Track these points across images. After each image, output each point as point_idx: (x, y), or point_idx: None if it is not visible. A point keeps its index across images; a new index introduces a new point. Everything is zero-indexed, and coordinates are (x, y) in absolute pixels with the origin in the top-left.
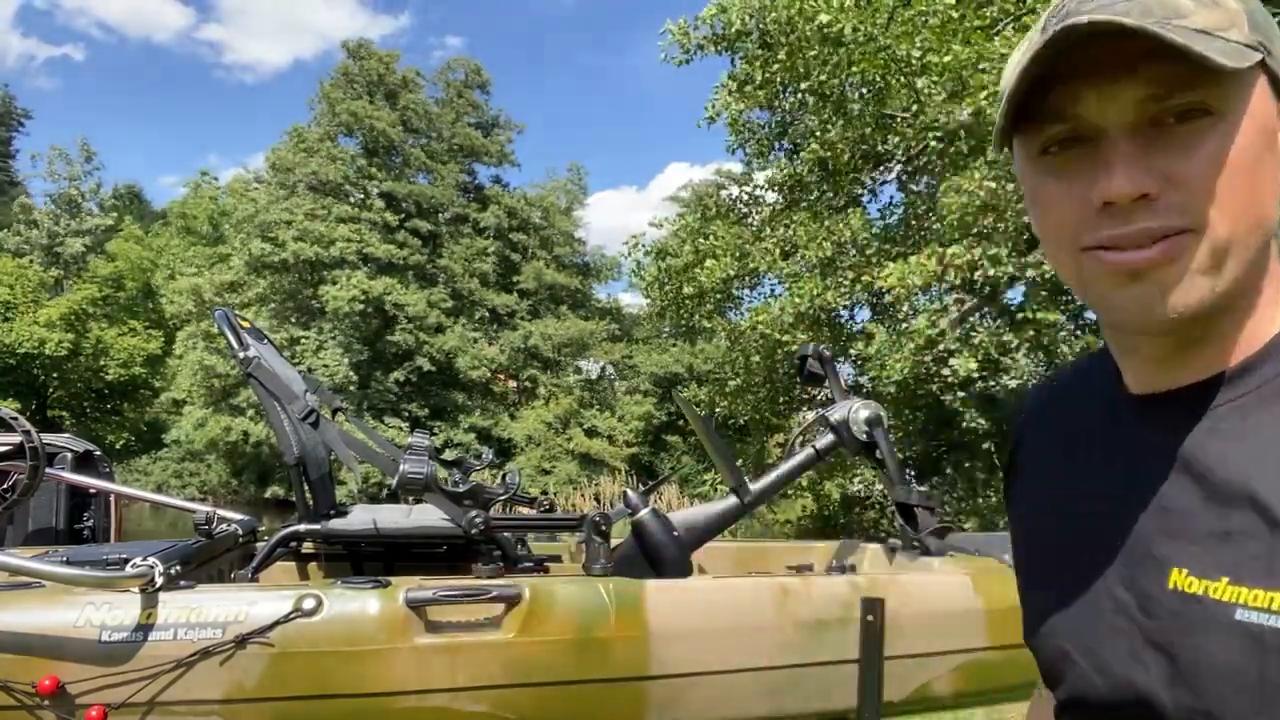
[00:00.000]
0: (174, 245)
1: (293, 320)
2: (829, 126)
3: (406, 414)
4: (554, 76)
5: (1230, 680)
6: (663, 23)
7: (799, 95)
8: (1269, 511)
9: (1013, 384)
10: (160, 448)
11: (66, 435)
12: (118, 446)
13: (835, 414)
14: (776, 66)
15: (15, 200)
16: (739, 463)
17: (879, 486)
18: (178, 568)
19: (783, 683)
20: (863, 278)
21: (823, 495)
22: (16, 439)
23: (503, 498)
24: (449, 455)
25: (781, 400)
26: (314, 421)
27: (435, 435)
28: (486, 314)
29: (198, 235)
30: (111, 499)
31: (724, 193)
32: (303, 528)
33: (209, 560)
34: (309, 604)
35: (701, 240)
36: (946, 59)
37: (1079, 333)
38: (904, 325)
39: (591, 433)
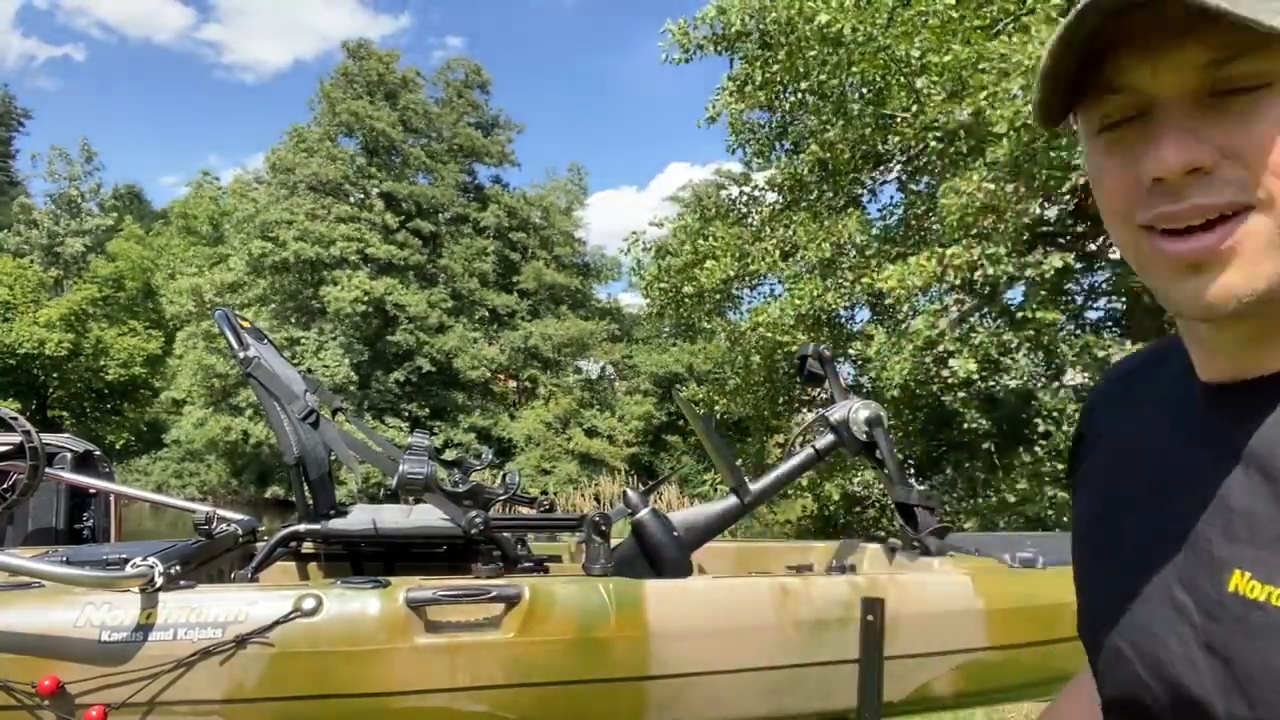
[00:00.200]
0: (174, 245)
1: (293, 321)
2: (829, 126)
3: (406, 414)
4: (554, 76)
5: None
6: (663, 23)
7: (799, 95)
8: None
9: (1013, 384)
10: (160, 448)
11: (66, 435)
12: (118, 446)
13: (835, 414)
14: (776, 67)
15: (15, 200)
16: (739, 463)
17: (879, 487)
18: (178, 568)
19: (783, 683)
20: (863, 279)
21: (822, 495)
22: (16, 439)
23: (503, 498)
24: (449, 455)
25: (781, 400)
26: (314, 421)
27: (435, 435)
28: (487, 314)
29: (198, 235)
30: (111, 499)
31: (724, 193)
32: (303, 528)
33: (209, 560)
34: (309, 604)
35: (701, 241)
36: (946, 59)
37: (1079, 332)
38: (904, 326)
39: (591, 433)
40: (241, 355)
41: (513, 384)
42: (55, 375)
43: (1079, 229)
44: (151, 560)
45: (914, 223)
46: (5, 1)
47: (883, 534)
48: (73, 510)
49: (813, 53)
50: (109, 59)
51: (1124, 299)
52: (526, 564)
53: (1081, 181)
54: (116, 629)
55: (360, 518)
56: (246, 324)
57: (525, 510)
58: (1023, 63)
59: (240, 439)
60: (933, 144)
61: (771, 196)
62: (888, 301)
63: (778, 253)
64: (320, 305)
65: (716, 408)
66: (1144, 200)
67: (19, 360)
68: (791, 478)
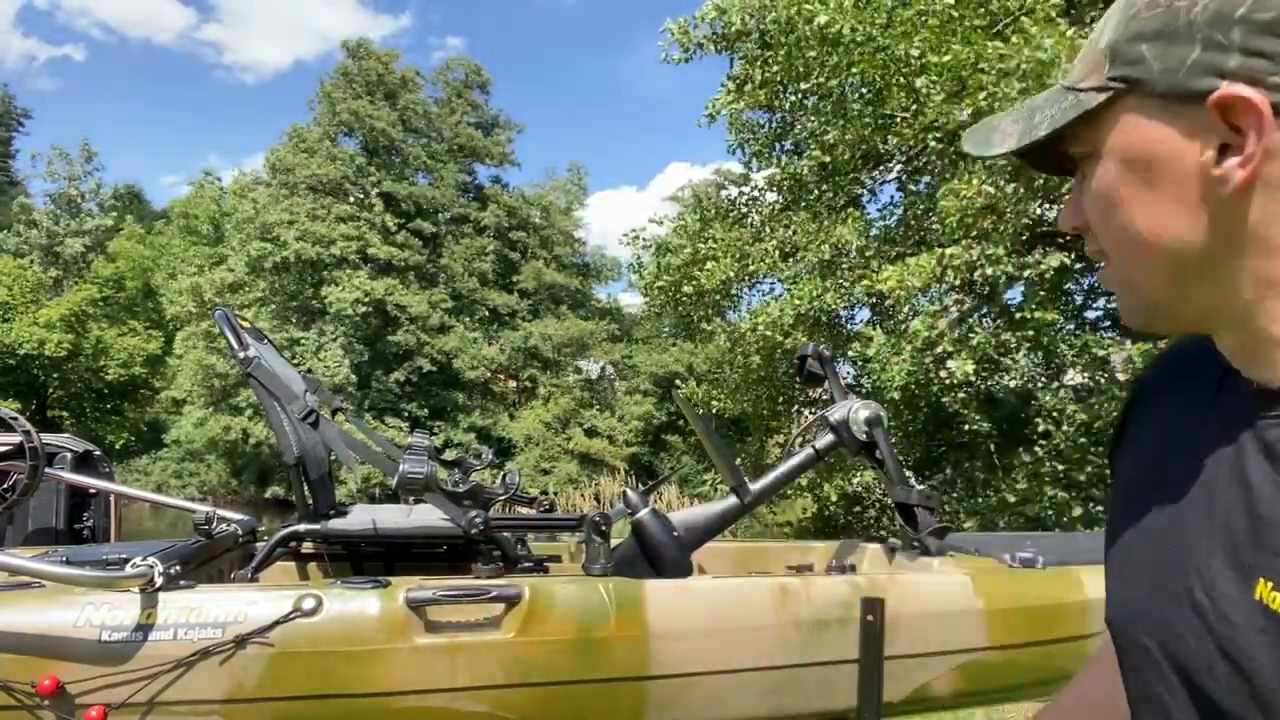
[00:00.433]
0: (175, 245)
1: (293, 321)
2: (829, 127)
3: (406, 414)
4: (554, 76)
5: None
6: (663, 22)
7: (799, 95)
8: None
9: (1012, 384)
10: (160, 448)
11: (66, 435)
12: (118, 446)
13: (835, 414)
14: (776, 68)
15: (15, 200)
16: (738, 463)
17: (880, 487)
18: (177, 568)
19: (783, 683)
20: (862, 280)
21: (821, 496)
22: (16, 439)
23: (503, 498)
24: (449, 455)
25: (781, 400)
26: (314, 421)
27: (435, 435)
28: (487, 313)
29: (199, 235)
30: (111, 499)
31: (724, 193)
32: (303, 528)
33: (209, 560)
34: (309, 604)
35: (701, 244)
36: (945, 59)
37: (1078, 332)
38: (903, 327)
39: (591, 433)
40: (241, 355)
41: (512, 384)
42: (55, 375)
43: None
44: (151, 560)
45: (914, 223)
46: (5, 2)
47: (883, 534)
48: (73, 510)
49: (812, 53)
50: (109, 59)
51: None
52: (526, 564)
53: None
54: (116, 629)
55: (360, 518)
56: (246, 324)
57: (525, 510)
58: (1021, 64)
59: (240, 439)
60: (932, 144)
61: (771, 196)
62: (888, 302)
63: (777, 254)
64: (320, 305)
65: (715, 405)
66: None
67: (19, 360)
68: (791, 478)
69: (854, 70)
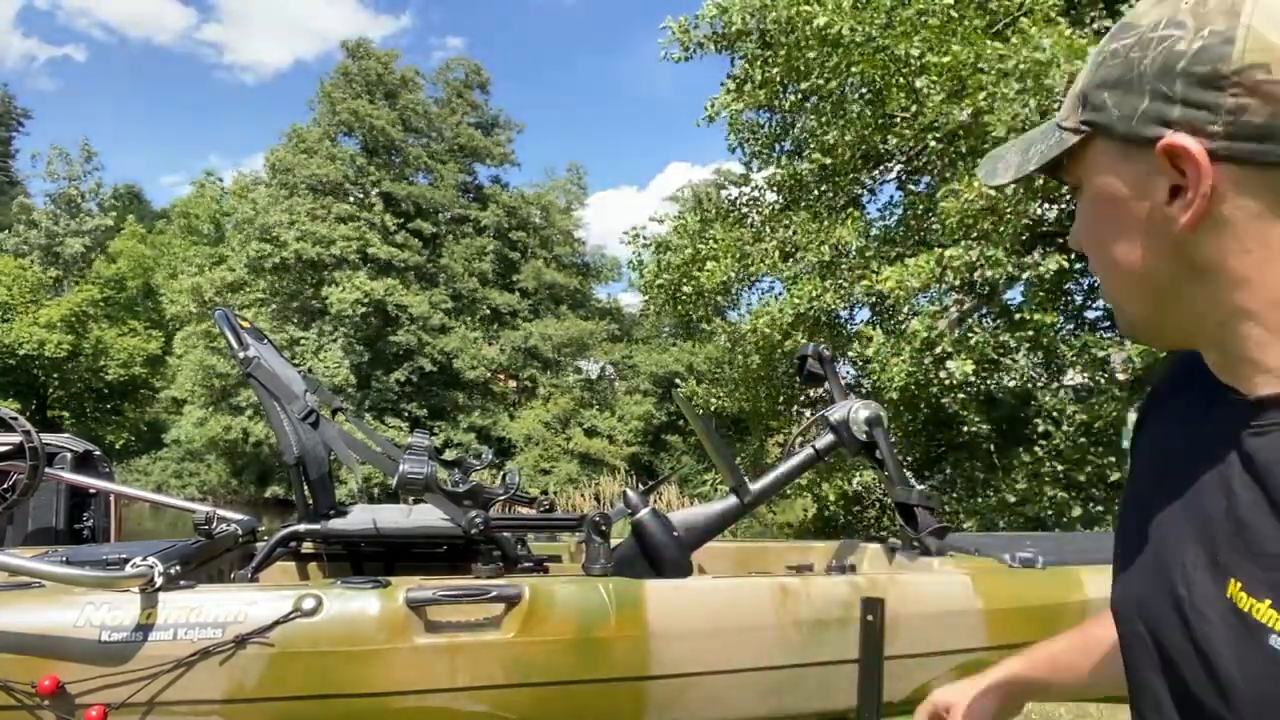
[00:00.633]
0: (176, 245)
1: (294, 321)
2: (829, 127)
3: (406, 414)
4: (554, 76)
5: (1261, 706)
6: (663, 22)
7: (799, 95)
8: None
9: (1012, 384)
10: (160, 448)
11: (66, 435)
12: (118, 446)
13: (835, 414)
14: (776, 69)
15: (15, 200)
16: (738, 463)
17: (881, 487)
18: (177, 568)
19: (783, 683)
20: (862, 280)
21: (821, 495)
22: (16, 439)
23: (503, 498)
24: (449, 455)
25: (781, 399)
26: (314, 421)
27: (435, 435)
28: (487, 313)
29: (200, 235)
30: (111, 499)
31: (724, 193)
32: (303, 528)
33: (209, 560)
34: (309, 604)
35: (701, 243)
36: (945, 59)
37: (1078, 333)
38: (903, 327)
39: (591, 432)
40: (241, 355)
41: (512, 384)
42: (55, 375)
43: None
44: (151, 560)
45: (913, 223)
46: (6, 2)
47: (883, 534)
48: (73, 510)
49: (812, 54)
50: (110, 59)
51: None
52: (526, 564)
53: None
54: (116, 629)
55: (360, 518)
56: (246, 324)
57: (525, 510)
58: (1019, 64)
59: (240, 439)
60: (932, 144)
61: (771, 196)
62: (887, 302)
63: (777, 254)
64: (320, 305)
65: (713, 403)
66: None
67: (19, 360)
68: (791, 477)
69: (854, 71)
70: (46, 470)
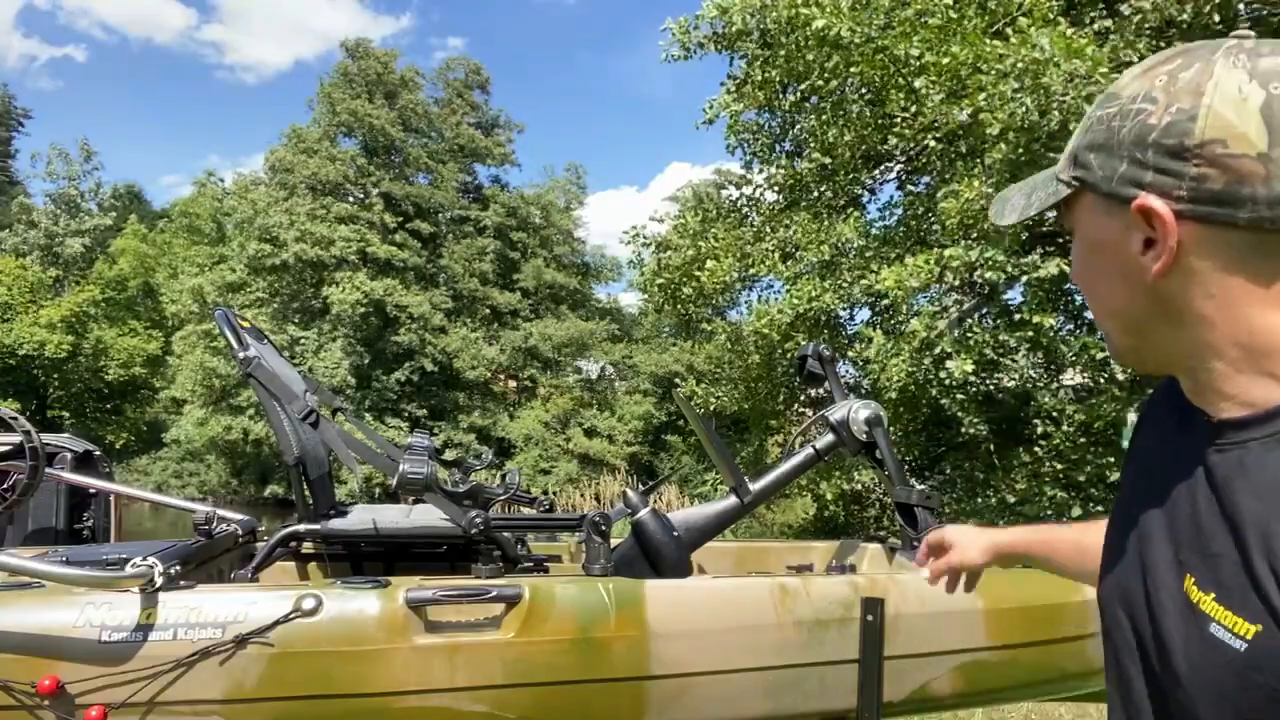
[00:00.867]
0: (177, 244)
1: (294, 321)
2: (828, 127)
3: (406, 414)
4: (554, 76)
5: (1202, 687)
6: (663, 22)
7: (799, 95)
8: (1243, 544)
9: (1011, 384)
10: (160, 448)
11: (66, 435)
12: (118, 446)
13: (835, 414)
14: (775, 71)
15: (15, 200)
16: (738, 463)
17: (879, 487)
18: (178, 568)
19: (783, 683)
20: (861, 280)
21: (820, 495)
22: (16, 439)
23: (503, 498)
24: (449, 455)
25: (781, 399)
26: (314, 421)
27: (435, 435)
28: (487, 313)
29: (201, 235)
30: (111, 499)
31: (724, 193)
32: (303, 528)
33: (209, 560)
34: (309, 604)
35: (702, 242)
36: (944, 60)
37: (1077, 332)
38: (902, 328)
39: (591, 432)
40: (241, 355)
41: (512, 384)
42: (55, 376)
43: None
44: (151, 560)
45: (913, 223)
46: (6, 2)
47: (883, 534)
48: (73, 510)
49: (811, 55)
50: (110, 59)
51: None
52: (526, 564)
53: None
54: (116, 629)
55: (360, 518)
56: (246, 324)
57: (526, 510)
58: (1018, 64)
59: (240, 439)
60: (932, 144)
61: (771, 196)
62: (885, 302)
63: (777, 255)
64: (321, 305)
65: (713, 403)
66: None
67: (19, 361)
68: (791, 477)
69: (853, 72)
70: (46, 470)
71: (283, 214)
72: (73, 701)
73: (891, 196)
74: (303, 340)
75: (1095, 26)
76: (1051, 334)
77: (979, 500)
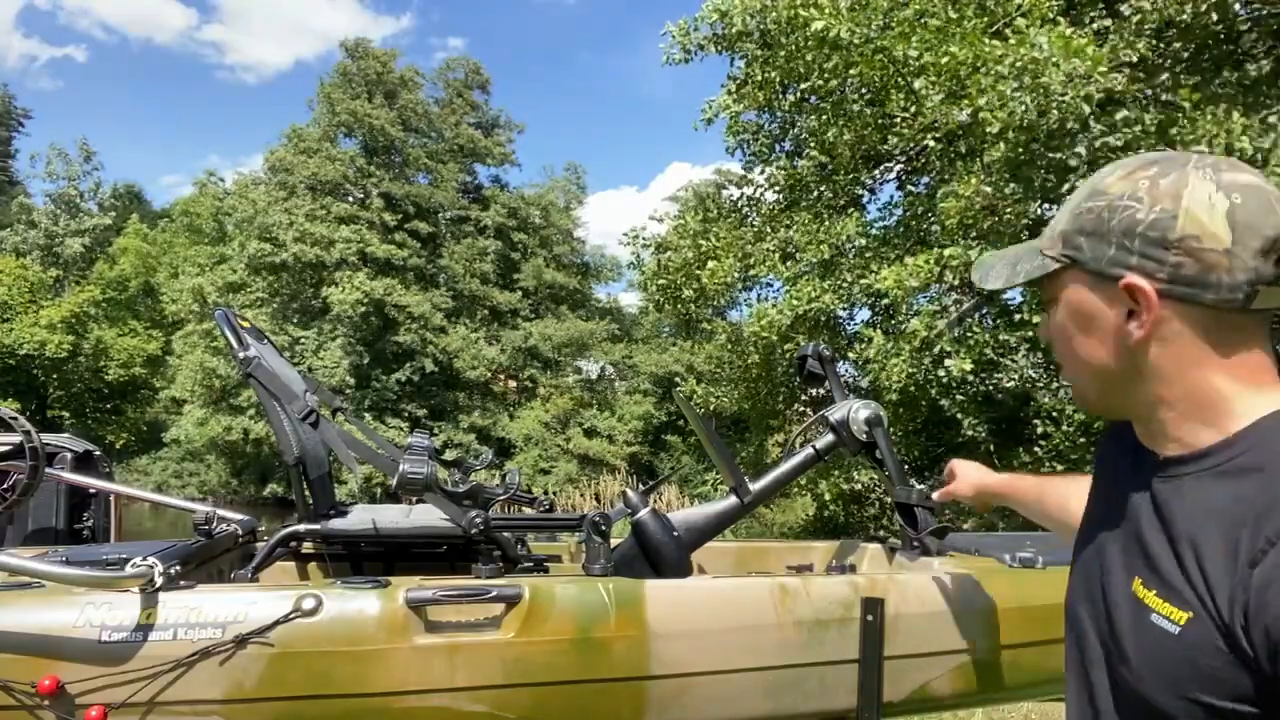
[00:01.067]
0: (178, 244)
1: (294, 321)
2: (829, 127)
3: (406, 414)
4: (554, 76)
5: (1148, 663)
6: (664, 23)
7: (799, 95)
8: (1178, 552)
9: (1010, 384)
10: (160, 448)
11: (66, 435)
12: (118, 446)
13: (835, 414)
14: (775, 71)
15: (14, 200)
16: (738, 463)
17: (879, 487)
18: (178, 568)
19: (783, 683)
20: (861, 280)
21: (818, 495)
22: (16, 439)
23: (503, 498)
24: (449, 455)
25: (781, 398)
26: (314, 421)
27: (435, 435)
28: (487, 313)
29: (202, 234)
30: (111, 499)
31: (725, 193)
32: (302, 528)
33: (209, 560)
34: (309, 604)
35: (703, 241)
36: (944, 61)
37: None
38: (902, 328)
39: (591, 433)
40: (241, 355)
41: (512, 384)
42: (55, 376)
43: None
44: (151, 560)
45: (913, 223)
46: (7, 2)
47: (883, 534)
48: (73, 510)
49: (810, 55)
50: (110, 59)
51: None
52: (526, 564)
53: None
54: (116, 629)
55: (360, 518)
56: (246, 324)
57: (526, 510)
58: (1016, 63)
59: (240, 439)
60: (931, 144)
61: (771, 197)
62: (885, 301)
63: (777, 255)
64: (321, 305)
65: (713, 403)
66: None
67: (19, 361)
68: (791, 477)
69: (852, 72)
70: (46, 470)
71: (282, 213)
72: (73, 701)
73: (891, 196)
74: (303, 340)
75: (1095, 26)
76: None
77: None
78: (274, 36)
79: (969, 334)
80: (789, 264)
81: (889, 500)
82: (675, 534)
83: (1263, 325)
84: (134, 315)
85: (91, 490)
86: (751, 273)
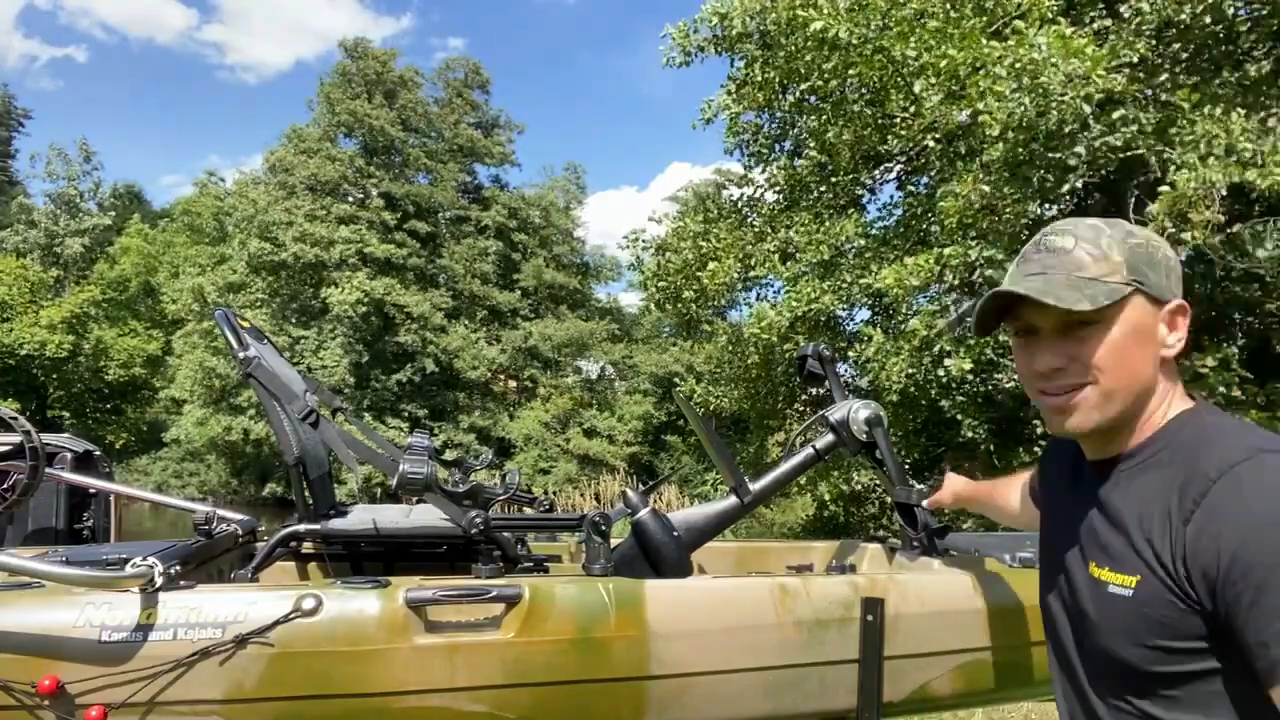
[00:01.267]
0: (179, 243)
1: (294, 321)
2: (829, 127)
3: (406, 414)
4: (554, 76)
5: (1110, 625)
6: (664, 23)
7: (799, 95)
8: (1125, 530)
9: (1010, 385)
10: (160, 448)
11: (66, 435)
12: (118, 446)
13: (835, 414)
14: (774, 73)
15: (14, 200)
16: (738, 462)
17: (880, 487)
18: (178, 568)
19: (783, 683)
20: (860, 280)
21: (818, 495)
22: (16, 439)
23: (503, 498)
24: (449, 455)
25: (780, 398)
26: (314, 421)
27: (435, 436)
28: (487, 313)
29: (202, 234)
30: (111, 499)
31: (725, 193)
32: (303, 528)
33: (209, 560)
34: (309, 604)
35: (704, 242)
36: (943, 64)
37: None
38: (902, 328)
39: (591, 433)
40: (241, 355)
41: (512, 384)
42: (55, 376)
43: None
44: (151, 560)
45: (913, 223)
46: (7, 3)
47: (883, 534)
48: (73, 510)
49: (810, 56)
50: (111, 60)
51: None
52: (526, 564)
53: (1080, 185)
54: (116, 629)
55: (360, 518)
56: (246, 324)
57: (526, 510)
58: (1015, 64)
59: (240, 439)
60: (931, 145)
61: (771, 197)
62: (885, 300)
63: (777, 256)
64: (320, 305)
65: (713, 403)
66: (1035, 379)
67: (19, 361)
68: (791, 477)
69: (851, 72)
70: (46, 470)
71: (282, 213)
72: (73, 701)
73: (892, 196)
74: (302, 340)
75: (1095, 26)
76: None
77: None
78: (274, 36)
79: (968, 333)
80: (789, 264)
81: (889, 500)
82: (675, 534)
83: None
84: (134, 315)
85: (91, 490)
86: (752, 273)
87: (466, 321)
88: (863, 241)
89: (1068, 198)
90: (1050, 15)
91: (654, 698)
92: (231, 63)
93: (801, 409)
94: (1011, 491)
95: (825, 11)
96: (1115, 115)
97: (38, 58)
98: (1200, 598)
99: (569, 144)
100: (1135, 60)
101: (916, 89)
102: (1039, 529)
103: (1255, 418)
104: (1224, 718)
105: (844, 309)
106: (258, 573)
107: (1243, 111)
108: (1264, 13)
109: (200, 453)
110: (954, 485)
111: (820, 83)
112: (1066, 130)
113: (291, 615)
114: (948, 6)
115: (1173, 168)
